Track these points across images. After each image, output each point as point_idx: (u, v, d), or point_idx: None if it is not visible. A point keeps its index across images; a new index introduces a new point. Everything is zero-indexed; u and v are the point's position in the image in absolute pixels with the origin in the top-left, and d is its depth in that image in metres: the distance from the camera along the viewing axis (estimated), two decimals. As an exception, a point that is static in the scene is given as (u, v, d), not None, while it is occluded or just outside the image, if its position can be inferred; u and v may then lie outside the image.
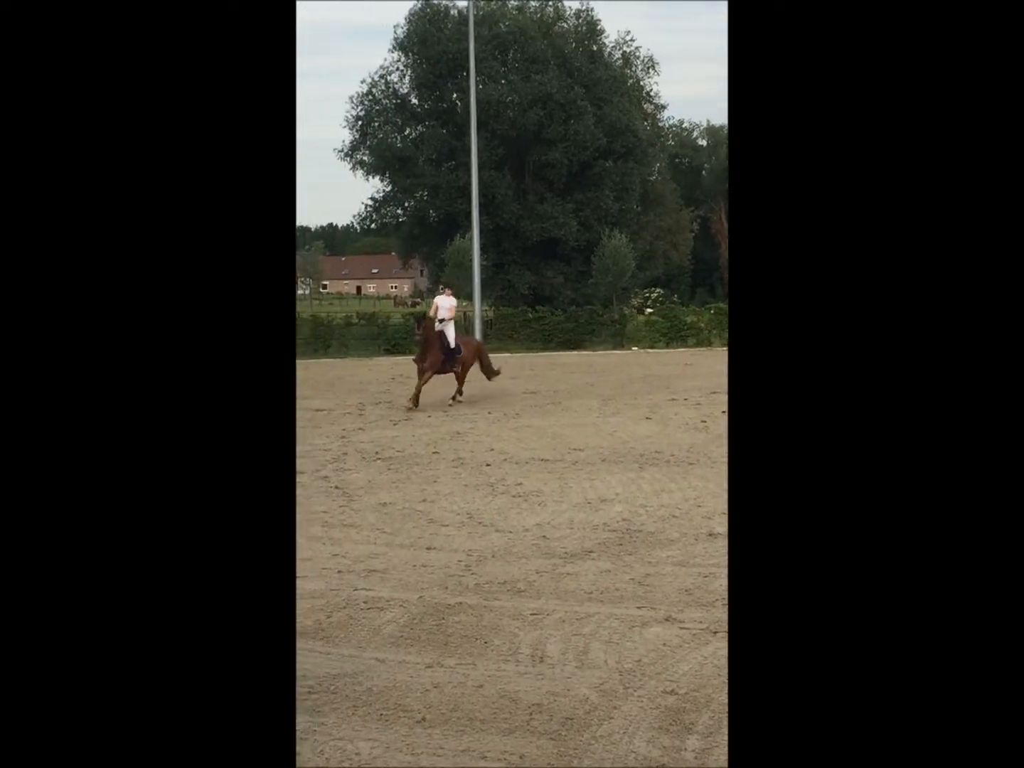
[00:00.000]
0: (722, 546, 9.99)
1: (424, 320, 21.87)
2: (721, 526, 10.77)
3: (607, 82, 53.33)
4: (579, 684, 6.54)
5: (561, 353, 39.36)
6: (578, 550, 9.98)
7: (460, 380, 22.16)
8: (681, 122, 69.73)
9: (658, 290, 60.60)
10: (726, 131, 46.07)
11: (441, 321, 21.65)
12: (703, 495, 12.27)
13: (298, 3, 4.17)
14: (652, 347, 40.87)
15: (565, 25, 56.89)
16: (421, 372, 21.33)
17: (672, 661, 6.93)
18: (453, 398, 21.95)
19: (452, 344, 21.56)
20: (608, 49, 57.12)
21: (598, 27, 56.70)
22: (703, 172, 67.02)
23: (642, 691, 6.40)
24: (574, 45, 55.58)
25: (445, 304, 22.06)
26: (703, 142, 71.10)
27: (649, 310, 44.71)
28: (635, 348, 41.05)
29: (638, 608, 8.11)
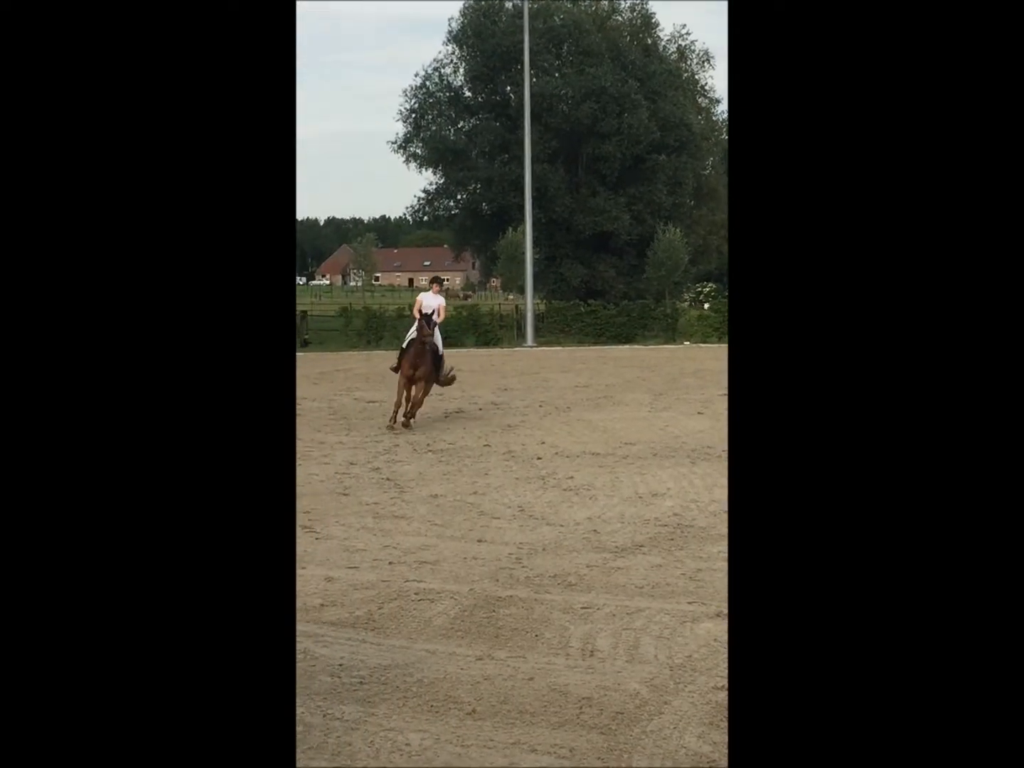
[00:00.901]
0: (774, 542, 9.94)
1: (420, 319, 17.94)
2: (773, 522, 10.72)
3: (661, 76, 53.12)
4: (629, 679, 6.53)
5: (613, 347, 39.30)
6: (629, 544, 9.96)
7: (419, 401, 17.92)
8: (735, 116, 69.21)
9: (711, 285, 60.40)
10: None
11: (425, 319, 17.80)
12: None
13: (302, 2, 4.19)
14: (704, 342, 40.74)
15: (620, 19, 56.74)
16: (409, 383, 17.52)
17: (723, 657, 6.89)
18: (406, 423, 17.54)
19: (440, 350, 18.14)
20: (663, 43, 56.95)
21: (652, 20, 56.54)
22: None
23: (692, 687, 6.38)
24: (628, 38, 55.41)
25: (433, 302, 17.93)
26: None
27: (707, 305, 44.51)
28: (687, 343, 40.94)
29: (689, 603, 8.09)
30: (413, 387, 17.59)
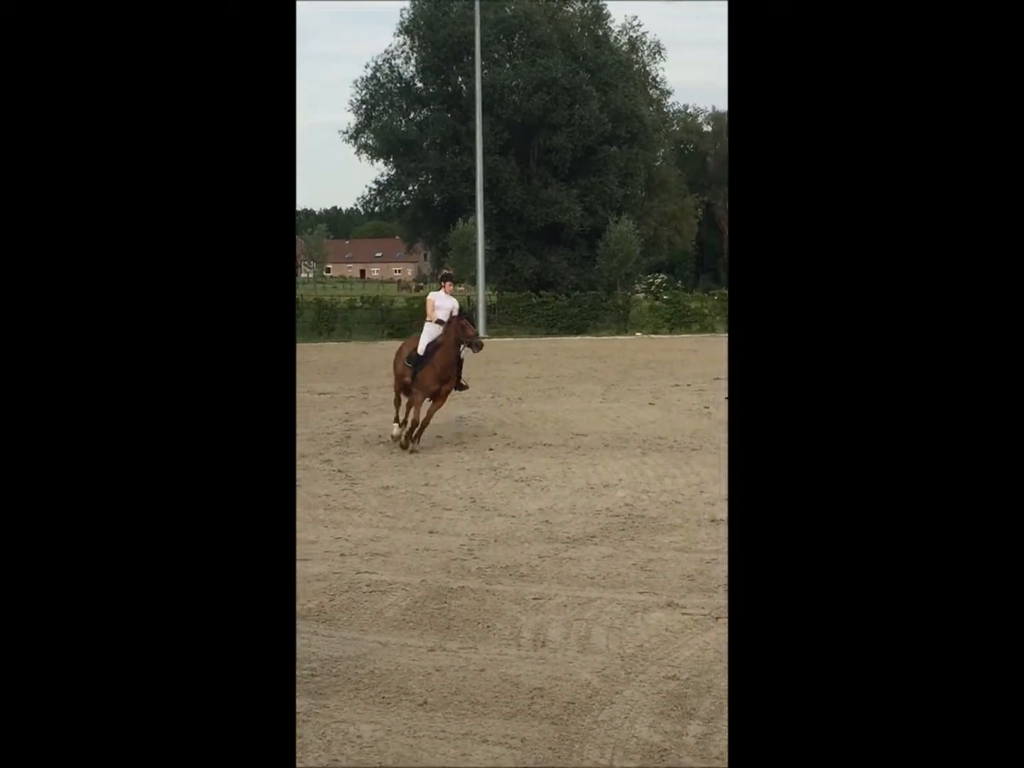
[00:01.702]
0: (724, 532, 9.99)
1: (453, 321, 15.09)
2: (724, 512, 10.76)
3: (612, 67, 53.19)
4: (581, 669, 6.54)
5: (564, 338, 39.35)
6: (580, 535, 9.98)
7: (429, 419, 15.18)
8: (686, 108, 69.54)
9: (662, 276, 60.58)
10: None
11: (439, 323, 15.16)
12: (706, 481, 12.27)
13: (302, 2, 4.22)
14: (655, 333, 40.87)
15: (571, 10, 56.76)
16: (432, 397, 14.93)
17: (674, 647, 6.93)
18: (408, 443, 14.84)
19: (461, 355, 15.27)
20: (614, 34, 57.02)
21: (604, 12, 56.59)
22: (708, 158, 66.90)
23: (644, 676, 6.40)
24: (580, 30, 55.45)
25: (447, 304, 15.38)
26: (708, 128, 71.03)
27: (666, 296, 44.63)
28: (639, 334, 41.03)
29: (640, 593, 8.12)
30: (431, 402, 14.94)
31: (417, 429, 14.78)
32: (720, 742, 5.45)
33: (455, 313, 15.16)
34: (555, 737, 5.55)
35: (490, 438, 15.52)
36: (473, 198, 44.01)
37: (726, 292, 46.17)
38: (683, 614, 7.58)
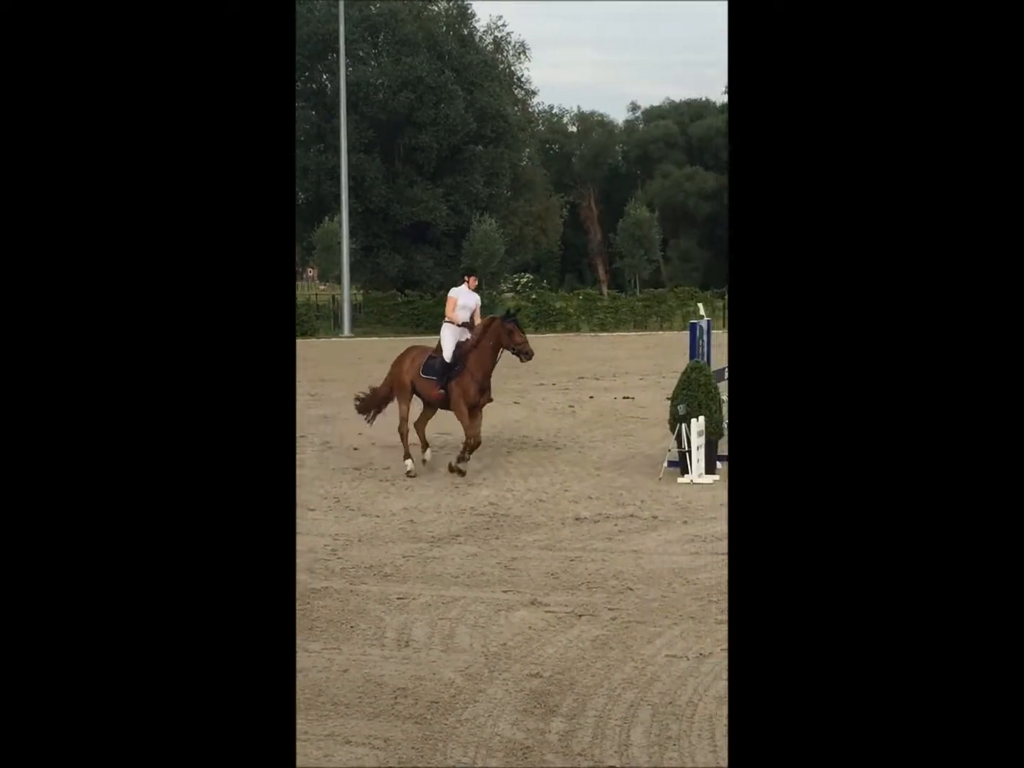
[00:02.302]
0: (588, 530, 10.08)
1: (495, 324, 12.98)
2: (587, 510, 10.86)
3: (478, 66, 53.19)
4: (444, 668, 6.55)
5: (430, 337, 39.18)
6: (445, 534, 9.99)
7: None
8: (551, 108, 69.78)
9: (528, 275, 60.78)
10: (596, 117, 45.68)
11: (464, 326, 13.24)
12: (569, 479, 12.36)
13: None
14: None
15: (436, 9, 56.62)
16: (472, 410, 12.86)
17: (537, 644, 6.97)
18: (460, 467, 12.77)
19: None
20: (479, 34, 57.06)
21: (469, 11, 56.59)
22: (573, 159, 67.27)
23: (507, 674, 6.43)
24: (445, 29, 55.38)
25: (470, 301, 13.36)
26: (573, 128, 71.46)
27: (534, 296, 44.81)
28: (504, 333, 41.09)
29: (504, 592, 8.15)
30: (471, 418, 12.86)
31: (470, 443, 12.69)
32: (582, 737, 5.50)
33: (477, 312, 13.24)
34: (418, 736, 5.55)
35: (356, 438, 15.42)
36: (338, 196, 43.75)
37: (591, 291, 46.60)
38: (547, 612, 7.63)
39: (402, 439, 13.14)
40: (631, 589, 8.18)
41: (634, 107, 68.13)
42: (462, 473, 12.44)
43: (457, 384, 12.73)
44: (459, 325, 13.09)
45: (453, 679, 6.35)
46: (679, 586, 8.25)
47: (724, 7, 3.78)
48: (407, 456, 12.95)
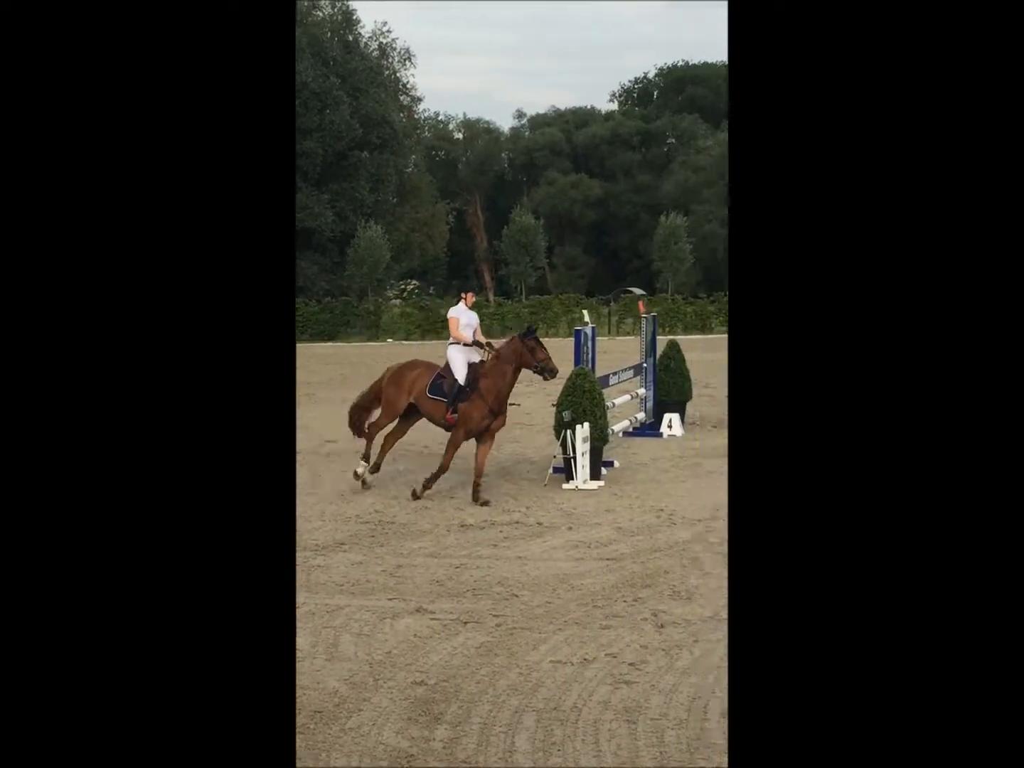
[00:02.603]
0: (473, 537, 10.09)
1: (514, 343, 12.41)
2: (472, 517, 10.87)
3: (363, 72, 53.03)
4: (329, 677, 6.51)
5: (315, 344, 39.04)
6: (330, 542, 9.93)
7: (371, 440, 12.87)
8: (437, 115, 69.79)
9: (414, 282, 60.69)
10: (482, 124, 45.57)
11: (470, 346, 12.56)
12: (455, 486, 12.35)
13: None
14: (407, 339, 40.93)
15: (320, 14, 56.33)
16: (469, 430, 12.19)
17: (422, 652, 6.95)
18: (426, 486, 12.09)
19: (463, 379, 12.27)
20: (364, 40, 56.87)
21: (354, 17, 56.38)
22: (459, 165, 67.35)
23: (392, 682, 6.40)
24: (330, 35, 55.11)
25: (473, 320, 12.77)
26: (459, 135, 71.57)
27: (424, 303, 44.72)
28: (390, 340, 41.04)
29: (389, 599, 8.12)
30: (478, 443, 12.26)
31: (437, 473, 12.06)
32: (467, 745, 5.49)
33: (477, 330, 12.64)
34: (302, 746, 5.49)
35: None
36: (222, 202, 43.28)
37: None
38: (432, 619, 7.62)
39: (368, 440, 12.68)
40: (516, 596, 8.20)
41: (520, 114, 68.51)
42: (486, 503, 11.55)
43: (465, 408, 12.08)
44: (468, 345, 12.42)
45: (337, 688, 6.31)
46: (564, 592, 8.28)
47: (608, 14, 3.82)
48: (365, 458, 12.51)
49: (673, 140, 65.20)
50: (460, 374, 12.17)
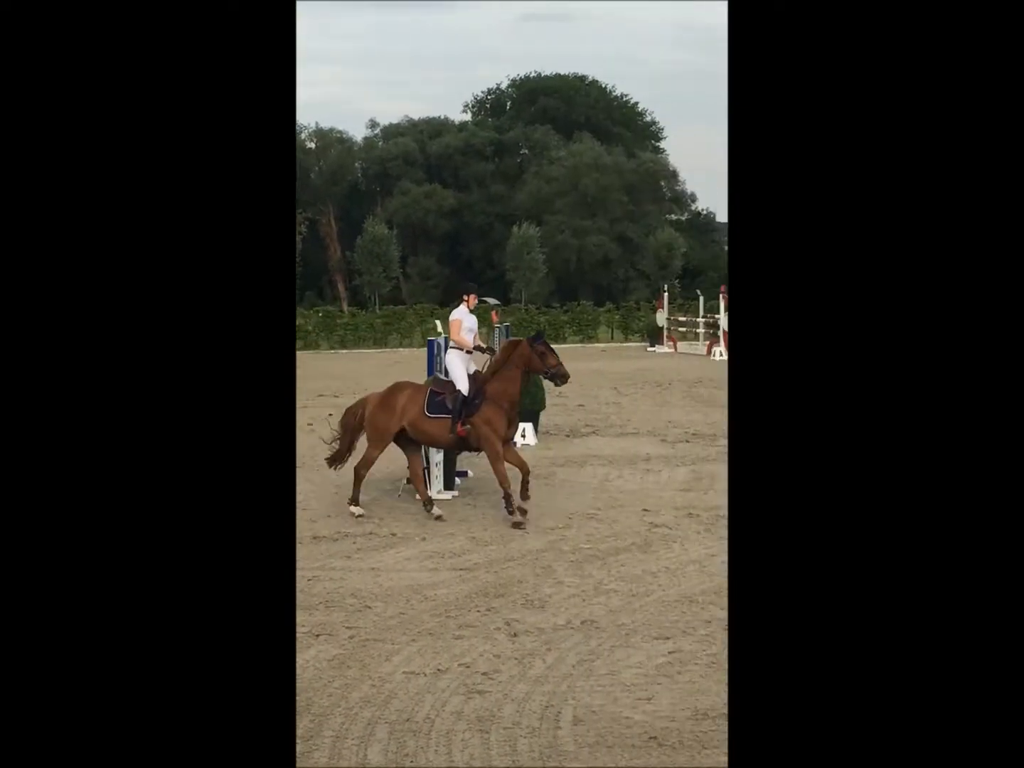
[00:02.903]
0: (326, 549, 10.02)
1: (521, 347, 11.62)
2: (326, 529, 10.79)
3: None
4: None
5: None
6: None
7: (348, 452, 12.05)
8: (289, 124, 69.05)
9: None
10: (335, 134, 45.06)
11: (477, 350, 12.01)
12: (308, 498, 12.27)
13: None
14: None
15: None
16: (500, 438, 11.33)
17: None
18: (521, 507, 11.17)
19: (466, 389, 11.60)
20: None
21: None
22: (312, 175, 66.87)
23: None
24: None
25: (474, 324, 12.14)
26: (311, 144, 71.08)
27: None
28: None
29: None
30: (506, 453, 11.47)
31: (507, 494, 11.07)
32: (319, 759, 5.47)
33: (476, 335, 11.99)
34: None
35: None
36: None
37: (330, 308, 46.23)
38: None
39: (357, 482, 11.68)
40: (369, 607, 8.17)
41: (373, 124, 68.09)
42: (524, 512, 11.01)
43: (479, 419, 11.32)
44: (470, 351, 11.83)
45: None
46: (417, 603, 8.28)
47: (461, 24, 3.89)
48: (354, 502, 11.59)
49: (526, 151, 65.48)
50: (462, 384, 11.56)
